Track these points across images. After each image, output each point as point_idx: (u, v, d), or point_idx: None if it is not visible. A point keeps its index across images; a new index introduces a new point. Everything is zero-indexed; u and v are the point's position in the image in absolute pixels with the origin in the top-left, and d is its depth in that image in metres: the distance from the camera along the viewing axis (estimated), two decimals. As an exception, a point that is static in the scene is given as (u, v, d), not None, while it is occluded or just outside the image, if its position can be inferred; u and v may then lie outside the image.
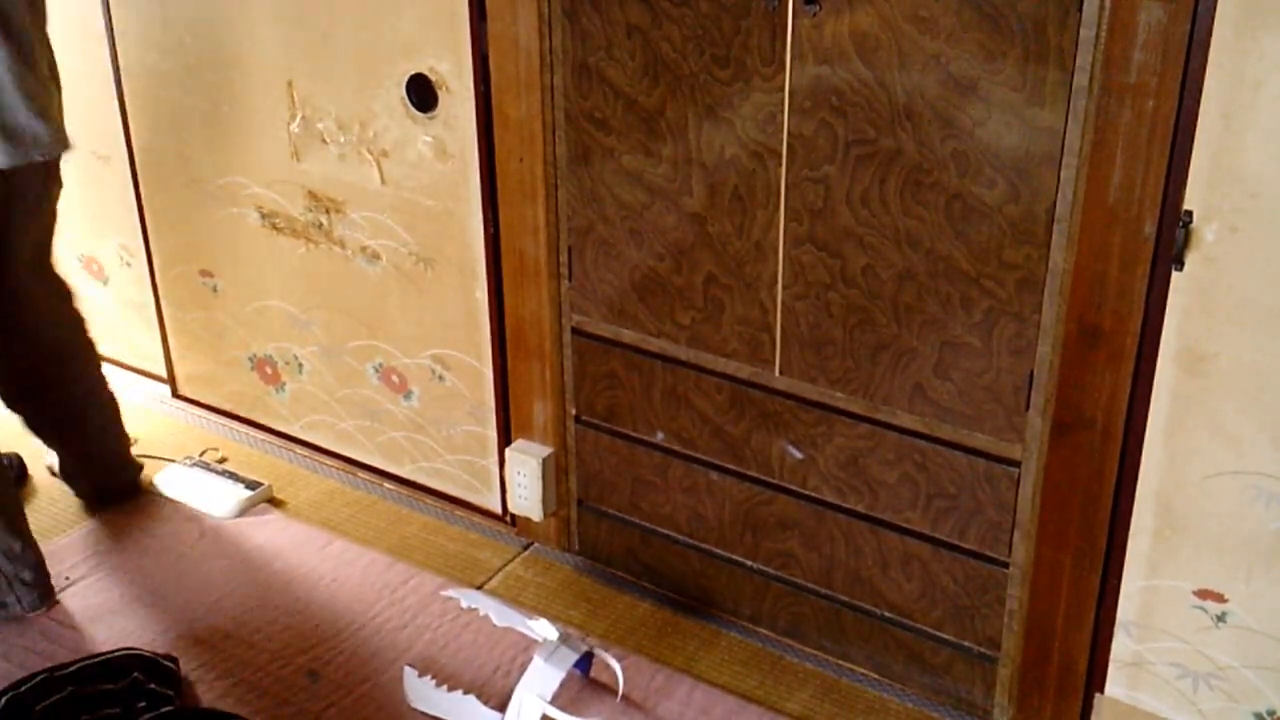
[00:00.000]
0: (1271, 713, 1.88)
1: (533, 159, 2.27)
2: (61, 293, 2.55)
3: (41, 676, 2.11)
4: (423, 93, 2.34)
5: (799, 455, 2.20)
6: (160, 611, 2.42)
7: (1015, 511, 2.01)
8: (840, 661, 2.32)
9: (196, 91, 2.68)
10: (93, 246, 3.10)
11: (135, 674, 2.15)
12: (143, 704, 2.11)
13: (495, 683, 2.25)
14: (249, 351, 2.92)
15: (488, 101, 2.29)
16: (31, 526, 2.43)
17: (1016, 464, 1.99)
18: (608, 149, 2.18)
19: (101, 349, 3.17)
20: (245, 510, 2.72)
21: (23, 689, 2.08)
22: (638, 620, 2.43)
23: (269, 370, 2.90)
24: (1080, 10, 1.68)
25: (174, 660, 2.23)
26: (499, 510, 2.66)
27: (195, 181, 2.79)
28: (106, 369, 2.70)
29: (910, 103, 1.86)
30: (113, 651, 2.19)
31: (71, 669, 2.12)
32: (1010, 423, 1.97)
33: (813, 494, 2.22)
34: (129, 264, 3.05)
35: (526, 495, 2.54)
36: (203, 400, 3.09)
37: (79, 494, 2.75)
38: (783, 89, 1.96)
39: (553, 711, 2.08)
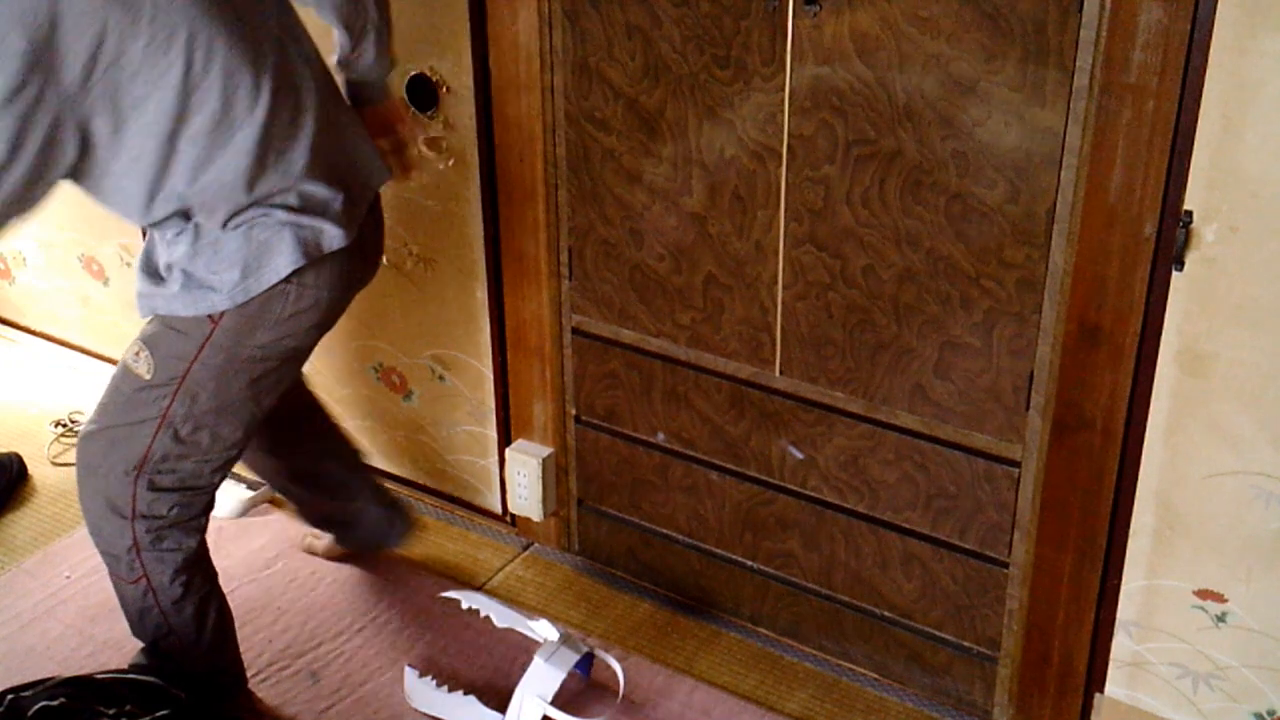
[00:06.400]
0: (1271, 713, 1.88)
1: (533, 159, 2.27)
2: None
3: (51, 681, 2.08)
4: (423, 93, 2.34)
5: (799, 455, 2.20)
6: (160, 612, 2.42)
7: (1015, 511, 2.01)
8: (840, 661, 2.32)
9: (196, 92, 2.67)
10: (93, 246, 3.10)
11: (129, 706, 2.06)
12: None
13: (496, 683, 2.25)
14: (249, 352, 2.91)
15: (488, 101, 2.28)
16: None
17: (1016, 464, 1.99)
18: (608, 149, 2.18)
19: (102, 349, 3.19)
20: (246, 510, 2.71)
21: (24, 692, 2.07)
22: (638, 620, 2.43)
23: (269, 370, 2.90)
24: (1080, 10, 1.68)
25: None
26: (499, 510, 2.66)
27: (195, 182, 2.78)
28: (105, 368, 2.69)
29: (910, 103, 1.86)
30: (123, 672, 2.10)
31: (94, 681, 2.05)
32: (1010, 423, 1.97)
33: (813, 494, 2.22)
34: (129, 264, 3.05)
35: (526, 495, 2.54)
36: (203, 400, 3.09)
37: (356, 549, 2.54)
38: (783, 89, 1.96)
39: (553, 712, 2.08)
